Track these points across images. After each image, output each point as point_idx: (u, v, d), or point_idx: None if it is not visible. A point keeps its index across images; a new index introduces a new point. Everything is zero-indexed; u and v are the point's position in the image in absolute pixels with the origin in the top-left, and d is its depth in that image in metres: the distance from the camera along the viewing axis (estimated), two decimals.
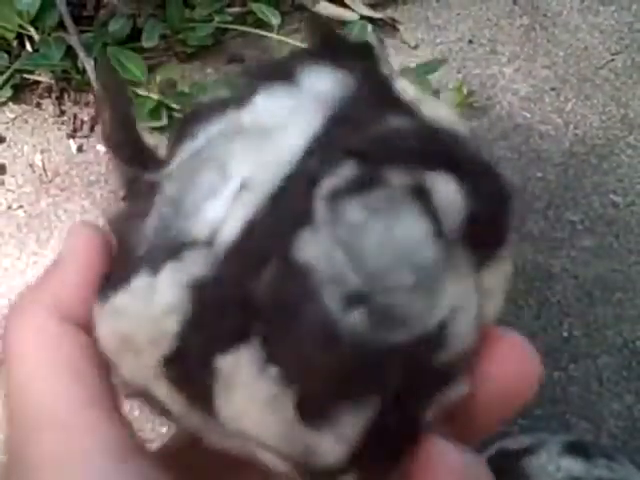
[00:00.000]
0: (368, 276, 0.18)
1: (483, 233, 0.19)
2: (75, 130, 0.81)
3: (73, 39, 0.81)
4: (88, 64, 0.80)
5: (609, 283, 0.71)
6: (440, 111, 0.20)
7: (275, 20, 0.83)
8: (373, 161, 0.18)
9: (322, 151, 0.18)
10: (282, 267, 0.18)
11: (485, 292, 0.20)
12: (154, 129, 0.79)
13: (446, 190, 0.18)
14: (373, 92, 0.20)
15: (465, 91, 0.81)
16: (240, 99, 0.21)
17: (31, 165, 0.79)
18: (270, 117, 0.19)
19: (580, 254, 0.73)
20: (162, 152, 0.22)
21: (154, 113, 0.78)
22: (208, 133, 0.20)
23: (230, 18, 0.85)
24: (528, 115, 0.81)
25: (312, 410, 0.18)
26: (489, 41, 0.86)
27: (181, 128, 0.22)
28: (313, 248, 0.18)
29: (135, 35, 0.84)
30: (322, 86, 0.20)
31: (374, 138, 0.18)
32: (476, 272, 0.19)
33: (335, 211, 0.18)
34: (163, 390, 0.19)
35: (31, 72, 0.83)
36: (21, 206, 0.77)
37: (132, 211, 0.21)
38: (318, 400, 0.18)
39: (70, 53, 0.81)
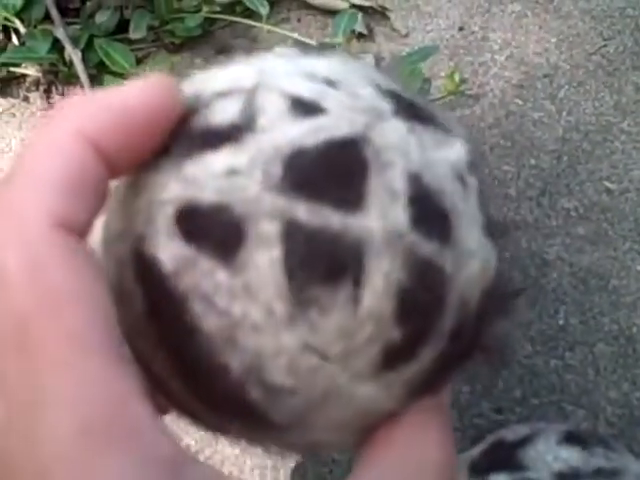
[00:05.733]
0: None
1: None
2: None
3: (60, 31, 0.80)
4: (75, 56, 0.79)
5: (604, 270, 0.71)
6: None
7: (264, 10, 0.82)
8: None
9: None
10: None
11: None
12: None
13: None
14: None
15: (457, 79, 0.80)
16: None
17: None
18: None
19: (575, 242, 0.72)
20: None
21: None
22: None
23: (218, 8, 0.84)
24: (521, 102, 0.81)
25: None
26: (481, 28, 0.86)
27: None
28: None
29: (123, 27, 0.83)
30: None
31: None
32: None
33: None
34: None
35: (18, 65, 0.82)
36: None
37: None
38: None
39: (57, 46, 0.80)
